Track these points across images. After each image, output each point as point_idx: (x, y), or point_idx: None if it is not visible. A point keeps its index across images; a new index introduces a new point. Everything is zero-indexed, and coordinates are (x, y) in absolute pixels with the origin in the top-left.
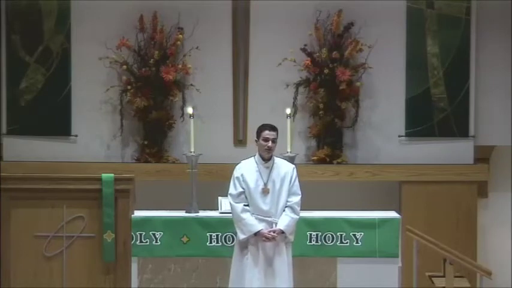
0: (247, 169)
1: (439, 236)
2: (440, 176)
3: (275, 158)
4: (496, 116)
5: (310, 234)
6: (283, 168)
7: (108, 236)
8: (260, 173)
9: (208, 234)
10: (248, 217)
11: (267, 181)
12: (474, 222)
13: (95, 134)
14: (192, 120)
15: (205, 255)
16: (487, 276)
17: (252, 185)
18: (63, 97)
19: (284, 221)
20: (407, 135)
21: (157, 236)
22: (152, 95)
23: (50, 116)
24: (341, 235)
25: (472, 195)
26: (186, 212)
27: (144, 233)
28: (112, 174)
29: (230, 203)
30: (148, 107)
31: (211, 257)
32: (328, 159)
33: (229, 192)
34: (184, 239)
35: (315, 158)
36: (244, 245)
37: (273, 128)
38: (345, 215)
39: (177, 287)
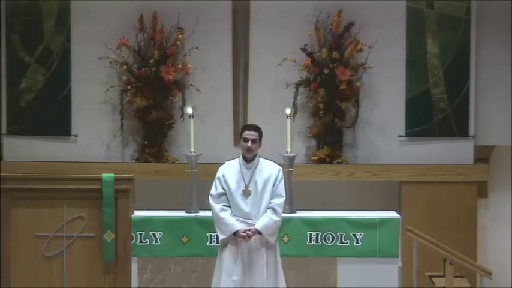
0: (230, 170)
1: (439, 236)
2: (440, 176)
3: (261, 159)
4: (496, 116)
5: (310, 234)
6: (268, 170)
7: (108, 236)
8: (242, 174)
9: (208, 234)
10: (227, 216)
11: (249, 182)
12: (474, 222)
13: (95, 134)
14: (192, 120)
15: (205, 255)
16: (487, 276)
17: (233, 186)
18: (63, 97)
19: (262, 221)
20: (408, 135)
21: (157, 236)
22: (152, 95)
23: (50, 116)
24: (341, 235)
25: (472, 195)
26: (186, 212)
27: (144, 233)
28: (112, 174)
29: (210, 204)
30: (148, 107)
31: (211, 257)
32: (328, 159)
33: (210, 192)
34: (184, 239)
35: (315, 158)
36: (224, 246)
37: (254, 129)
38: (345, 215)
39: (177, 287)
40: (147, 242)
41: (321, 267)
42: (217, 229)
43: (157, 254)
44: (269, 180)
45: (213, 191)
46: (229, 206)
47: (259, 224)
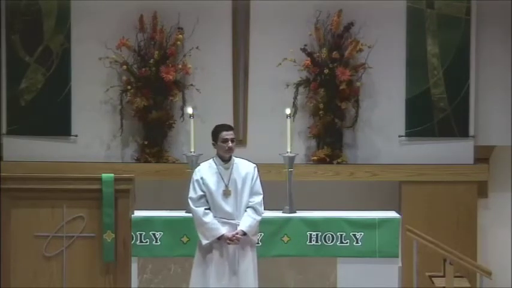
0: (207, 171)
1: (439, 236)
2: (440, 176)
3: (234, 158)
4: (496, 116)
5: (310, 234)
6: (244, 168)
7: (108, 236)
8: (221, 175)
9: None
10: (211, 221)
11: (228, 182)
12: (474, 222)
13: (95, 134)
14: (192, 120)
15: None
16: (487, 276)
17: (213, 187)
18: (63, 97)
19: (246, 222)
20: (407, 135)
21: (157, 236)
22: (152, 95)
23: (50, 116)
24: (341, 235)
25: (472, 195)
26: (186, 212)
27: (144, 233)
28: (112, 174)
29: (191, 208)
30: (148, 107)
31: None
32: (328, 159)
33: (189, 196)
34: (184, 239)
35: (315, 158)
36: (208, 250)
37: (231, 128)
38: (345, 215)
39: (177, 287)
40: (147, 242)
41: (321, 267)
42: (200, 234)
43: (157, 254)
44: (247, 178)
45: (192, 194)
46: (209, 208)
47: (243, 225)
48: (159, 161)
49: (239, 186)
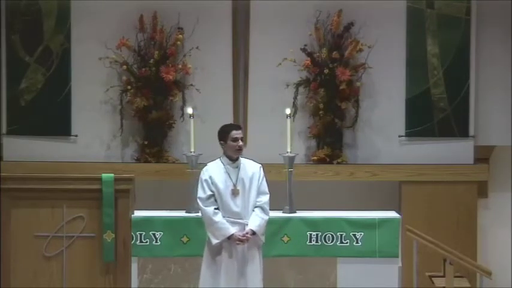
0: (215, 171)
1: (439, 236)
2: (440, 176)
3: (241, 158)
4: (496, 116)
5: (310, 234)
6: (251, 168)
7: (108, 236)
8: (228, 174)
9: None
10: (220, 220)
11: (236, 182)
12: (474, 222)
13: (95, 134)
14: (192, 120)
15: None
16: (487, 276)
17: (221, 186)
18: (63, 97)
19: (255, 221)
20: (407, 135)
21: (157, 236)
22: (152, 95)
23: (50, 116)
24: (341, 235)
25: (472, 195)
26: (186, 212)
27: (144, 233)
28: (112, 174)
29: (200, 207)
30: (148, 107)
31: None
32: (328, 159)
33: (198, 195)
34: (184, 239)
35: (315, 158)
36: (217, 250)
37: (239, 127)
38: (345, 215)
39: (177, 287)
40: (147, 242)
41: (321, 267)
42: (209, 233)
43: (157, 254)
44: (253, 178)
45: (201, 194)
46: (218, 208)
47: (253, 225)
48: (159, 161)
49: (247, 185)
